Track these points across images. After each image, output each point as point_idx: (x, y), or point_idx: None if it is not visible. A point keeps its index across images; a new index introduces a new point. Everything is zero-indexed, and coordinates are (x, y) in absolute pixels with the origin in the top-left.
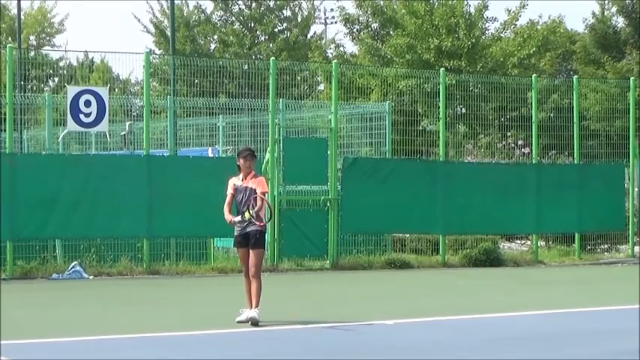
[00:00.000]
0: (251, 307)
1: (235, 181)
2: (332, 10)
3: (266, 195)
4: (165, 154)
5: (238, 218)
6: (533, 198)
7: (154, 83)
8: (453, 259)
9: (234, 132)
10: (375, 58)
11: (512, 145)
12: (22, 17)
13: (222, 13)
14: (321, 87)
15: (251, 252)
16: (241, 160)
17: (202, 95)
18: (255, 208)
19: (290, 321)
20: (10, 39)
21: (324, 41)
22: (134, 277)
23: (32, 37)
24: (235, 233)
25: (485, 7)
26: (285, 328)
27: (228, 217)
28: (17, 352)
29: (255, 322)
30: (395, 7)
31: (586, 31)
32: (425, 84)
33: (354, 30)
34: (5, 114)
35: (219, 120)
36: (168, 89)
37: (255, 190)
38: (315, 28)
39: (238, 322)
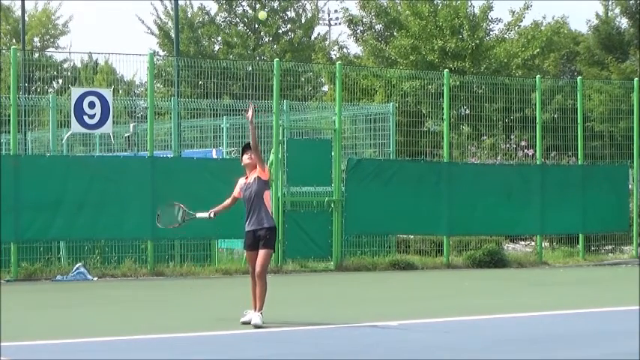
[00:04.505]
0: (256, 309)
1: (241, 181)
2: (336, 11)
3: (268, 183)
4: (169, 156)
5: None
6: (537, 199)
7: (158, 85)
8: (457, 261)
9: (238, 133)
10: (379, 60)
11: (514, 146)
12: (26, 19)
13: (226, 14)
14: (325, 88)
15: (259, 251)
16: (242, 157)
17: (206, 97)
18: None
19: (293, 322)
20: (14, 41)
21: (327, 42)
22: (138, 278)
23: (36, 39)
24: (247, 234)
25: (490, 8)
26: (289, 330)
27: (212, 211)
28: (18, 352)
29: (257, 327)
30: (399, 8)
31: (590, 32)
32: (429, 85)
33: (358, 31)
34: (9, 116)
35: (223, 121)
36: (172, 91)
37: (259, 178)
38: (319, 30)
39: (243, 323)
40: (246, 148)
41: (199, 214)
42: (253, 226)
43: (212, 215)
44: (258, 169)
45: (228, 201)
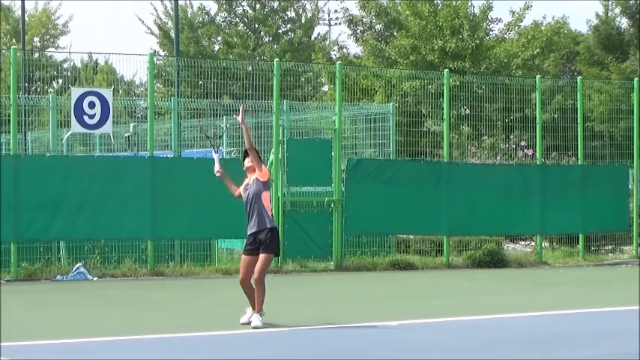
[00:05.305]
0: (254, 308)
1: (245, 182)
2: (336, 11)
3: (267, 184)
4: (169, 156)
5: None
6: (537, 199)
7: (158, 85)
8: (457, 261)
9: (238, 133)
10: (379, 60)
11: (514, 146)
12: (26, 19)
13: (226, 14)
14: (325, 88)
15: (260, 255)
16: (243, 161)
17: (206, 96)
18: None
19: (293, 322)
20: (14, 40)
21: (327, 42)
22: (138, 278)
23: (36, 39)
24: (248, 237)
25: (490, 8)
26: (289, 330)
27: (221, 171)
28: (18, 352)
29: (256, 328)
30: (399, 8)
31: (590, 32)
32: (429, 85)
33: (358, 31)
34: (9, 116)
35: (223, 121)
36: (172, 90)
37: (257, 179)
38: (319, 30)
39: (242, 323)
40: (246, 152)
41: (216, 156)
42: (254, 228)
43: (217, 172)
44: (256, 170)
45: (235, 188)
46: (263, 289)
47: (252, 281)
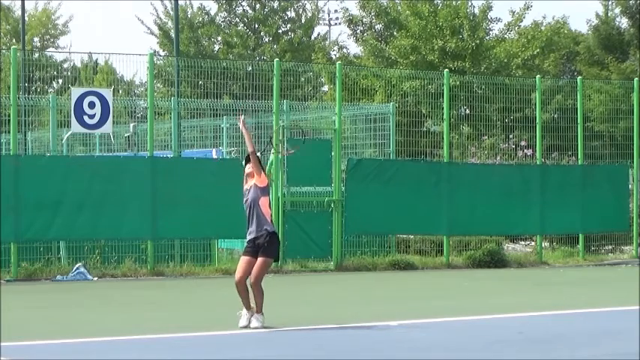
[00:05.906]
0: (248, 309)
1: (246, 186)
2: (336, 11)
3: (266, 190)
4: (169, 156)
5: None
6: (537, 199)
7: (158, 85)
8: (457, 260)
9: (238, 133)
10: (379, 60)
11: (514, 146)
12: (26, 19)
13: (226, 14)
14: (325, 88)
15: (258, 259)
16: (245, 166)
17: (206, 97)
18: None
19: (293, 322)
20: (14, 40)
21: (327, 42)
22: (138, 278)
23: (36, 39)
24: (248, 242)
25: (490, 8)
26: (289, 330)
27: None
28: (18, 352)
29: (256, 328)
30: (399, 8)
31: (590, 32)
32: (429, 85)
33: (358, 31)
34: (9, 116)
35: (223, 121)
36: (172, 91)
37: (256, 185)
38: (319, 30)
39: (242, 327)
40: (248, 158)
41: (258, 154)
42: (253, 234)
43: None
44: (255, 175)
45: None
46: (261, 291)
47: (249, 284)
